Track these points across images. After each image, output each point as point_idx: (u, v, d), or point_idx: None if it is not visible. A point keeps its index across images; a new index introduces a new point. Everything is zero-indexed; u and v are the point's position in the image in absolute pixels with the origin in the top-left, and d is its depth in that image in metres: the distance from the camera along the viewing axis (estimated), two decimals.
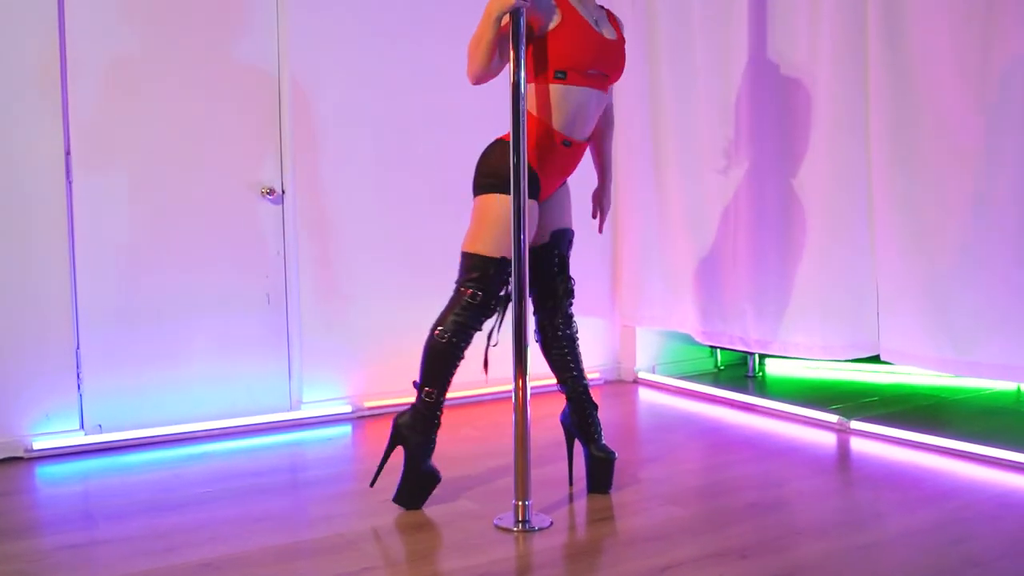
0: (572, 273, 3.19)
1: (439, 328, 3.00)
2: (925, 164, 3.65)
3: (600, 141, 3.28)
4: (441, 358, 3.00)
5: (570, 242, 3.20)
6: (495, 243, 2.94)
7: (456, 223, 4.45)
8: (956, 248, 3.58)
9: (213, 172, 4.00)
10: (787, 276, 4.17)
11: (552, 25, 2.89)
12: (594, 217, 3.38)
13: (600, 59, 2.96)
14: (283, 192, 4.13)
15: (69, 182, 3.71)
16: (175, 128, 3.92)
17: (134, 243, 3.86)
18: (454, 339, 2.98)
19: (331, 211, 4.22)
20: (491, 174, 2.96)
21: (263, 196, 4.08)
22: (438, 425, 3.02)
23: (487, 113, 4.35)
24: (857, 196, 3.90)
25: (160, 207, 3.90)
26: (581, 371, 3.18)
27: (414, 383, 3.05)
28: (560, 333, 3.15)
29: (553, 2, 2.90)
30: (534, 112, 2.94)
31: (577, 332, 3.20)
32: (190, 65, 3.94)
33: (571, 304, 3.17)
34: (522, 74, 2.80)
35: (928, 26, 3.60)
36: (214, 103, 3.99)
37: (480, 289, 2.96)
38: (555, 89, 2.92)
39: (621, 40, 3.09)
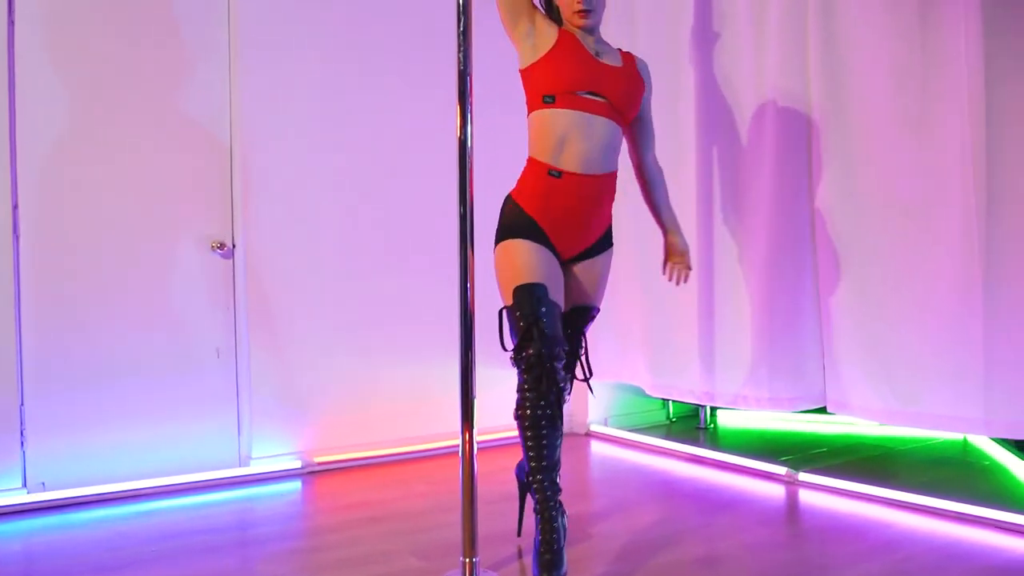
0: None
1: (516, 409, 2.78)
2: (867, 218, 3.75)
3: (649, 193, 3.25)
4: (528, 432, 2.76)
5: (589, 319, 3.07)
6: (512, 285, 2.83)
7: (408, 277, 4.51)
8: (898, 300, 3.66)
9: (163, 227, 3.99)
10: (734, 329, 4.22)
11: (546, 50, 2.88)
12: (663, 273, 3.32)
13: (594, 80, 2.86)
14: (233, 246, 4.12)
15: (16, 237, 3.68)
16: (125, 182, 3.91)
17: (82, 299, 3.82)
18: (528, 409, 2.75)
19: (282, 265, 4.21)
20: (497, 228, 2.94)
21: (213, 250, 4.07)
22: (552, 507, 2.79)
23: (438, 168, 4.41)
24: (801, 250, 3.98)
25: (108, 262, 3.88)
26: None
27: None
28: None
29: (554, 27, 2.92)
30: (529, 151, 2.93)
31: (561, 429, 2.88)
32: (141, 119, 3.94)
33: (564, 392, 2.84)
34: (468, 130, 2.83)
35: (869, 88, 3.71)
36: (164, 157, 3.99)
37: (527, 341, 2.75)
38: (542, 115, 2.87)
39: (627, 70, 2.98)
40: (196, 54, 4.06)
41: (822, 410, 4.08)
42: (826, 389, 3.96)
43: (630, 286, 4.69)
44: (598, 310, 3.09)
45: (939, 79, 3.51)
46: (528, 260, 2.84)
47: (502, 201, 2.96)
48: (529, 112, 2.94)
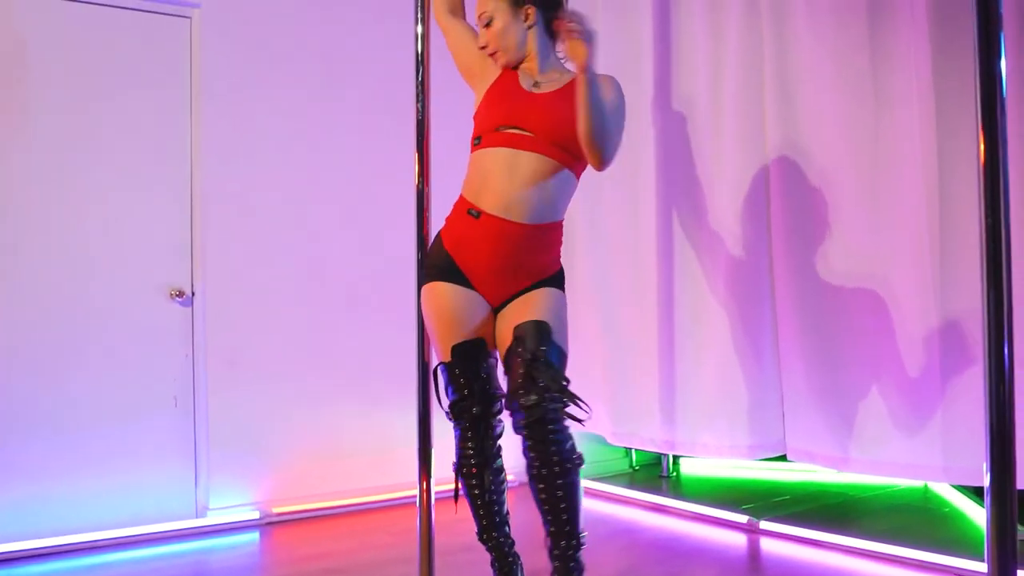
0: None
1: (458, 466, 2.77)
2: (825, 268, 3.79)
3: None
4: (473, 490, 2.77)
5: (543, 336, 2.60)
6: (447, 342, 2.70)
7: (368, 327, 4.49)
8: (856, 348, 3.69)
9: (122, 273, 3.96)
10: (694, 377, 4.24)
11: (483, 94, 2.78)
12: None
13: (518, 114, 2.64)
14: (193, 294, 4.09)
15: None
16: (85, 228, 3.89)
17: (37, 346, 3.78)
18: (463, 469, 2.75)
19: (241, 313, 4.19)
20: (423, 265, 2.81)
21: (172, 298, 4.04)
22: (510, 563, 2.83)
23: (402, 218, 4.40)
24: (761, 300, 4.01)
25: (65, 309, 3.84)
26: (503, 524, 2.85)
27: None
28: (488, 466, 2.78)
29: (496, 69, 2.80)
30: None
31: (505, 481, 2.83)
32: (102, 167, 3.93)
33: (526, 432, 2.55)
34: (425, 179, 2.84)
35: (822, 133, 3.77)
36: (125, 204, 3.97)
37: (468, 399, 2.69)
38: (472, 156, 2.73)
39: (561, 94, 2.67)
40: (158, 103, 4.05)
41: (783, 458, 4.09)
42: (786, 437, 3.97)
43: (590, 334, 4.69)
44: (548, 325, 2.63)
45: (892, 135, 3.58)
46: (457, 312, 2.69)
47: None
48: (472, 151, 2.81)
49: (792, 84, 3.87)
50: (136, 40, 4.01)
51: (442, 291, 2.71)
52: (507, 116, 2.65)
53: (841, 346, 3.74)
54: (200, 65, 4.12)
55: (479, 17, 2.77)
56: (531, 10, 2.72)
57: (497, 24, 2.73)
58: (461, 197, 2.74)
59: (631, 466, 5.19)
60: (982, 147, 2.92)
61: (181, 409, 4.07)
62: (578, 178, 2.74)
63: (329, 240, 4.42)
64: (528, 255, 2.69)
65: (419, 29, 2.89)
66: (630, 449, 5.14)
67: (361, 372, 4.46)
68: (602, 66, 4.51)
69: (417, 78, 2.87)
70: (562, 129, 2.60)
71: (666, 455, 4.96)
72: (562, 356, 2.64)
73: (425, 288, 2.75)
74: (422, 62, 2.87)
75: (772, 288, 3.98)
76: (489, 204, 2.63)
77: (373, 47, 4.54)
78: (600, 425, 4.68)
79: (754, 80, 3.99)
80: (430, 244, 2.81)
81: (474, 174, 2.70)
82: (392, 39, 4.45)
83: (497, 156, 2.64)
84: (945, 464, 3.47)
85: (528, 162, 2.61)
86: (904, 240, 3.56)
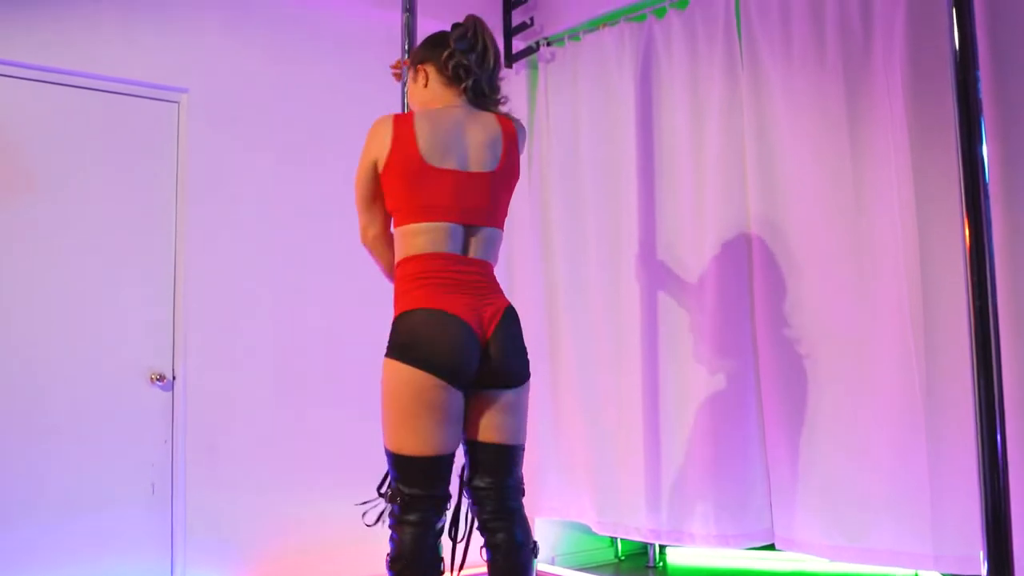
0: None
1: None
2: (808, 351, 3.79)
3: None
4: None
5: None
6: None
7: (351, 414, 4.42)
8: (842, 434, 3.67)
9: (101, 356, 3.91)
10: (680, 466, 4.19)
11: None
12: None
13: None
14: (173, 378, 4.04)
15: None
16: (65, 310, 3.85)
17: (9, 429, 3.70)
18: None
19: (223, 399, 4.13)
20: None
21: (153, 382, 3.99)
22: None
23: (380, 302, 4.37)
24: (745, 385, 3.99)
25: (42, 391, 3.77)
26: None
27: None
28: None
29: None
30: None
31: None
32: (85, 249, 3.91)
33: None
34: None
35: (804, 215, 3.82)
36: (106, 285, 3.94)
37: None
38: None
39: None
40: (144, 186, 4.06)
41: (772, 547, 4.02)
42: (773, 525, 3.92)
43: (574, 420, 4.65)
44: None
45: (872, 209, 3.63)
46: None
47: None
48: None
49: (772, 163, 3.93)
50: (124, 123, 4.04)
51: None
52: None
53: (826, 430, 3.72)
54: (187, 149, 4.14)
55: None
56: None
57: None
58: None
59: (617, 556, 5.09)
60: (967, 232, 2.98)
61: (158, 496, 3.98)
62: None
63: (312, 325, 4.39)
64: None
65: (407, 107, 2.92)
66: (615, 538, 5.05)
67: (343, 460, 4.38)
68: (584, 136, 4.62)
69: None
70: None
71: (652, 544, 4.88)
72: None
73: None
74: None
75: (756, 374, 3.97)
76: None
77: (359, 131, 4.56)
78: (585, 514, 4.60)
79: (735, 160, 4.05)
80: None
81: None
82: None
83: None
84: (935, 552, 3.42)
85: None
86: (886, 321, 3.58)
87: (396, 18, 4.43)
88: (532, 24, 4.87)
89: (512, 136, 2.76)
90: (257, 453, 4.20)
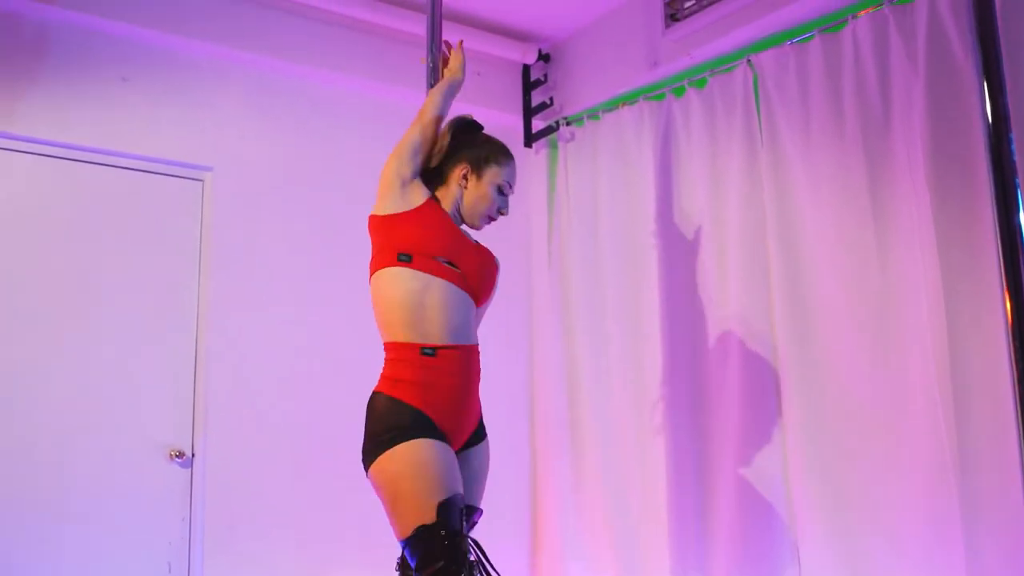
0: (484, 536, 2.65)
1: None
2: (835, 434, 3.70)
3: None
4: None
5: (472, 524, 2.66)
6: (433, 498, 2.46)
7: (373, 497, 4.32)
8: (870, 516, 3.57)
9: (118, 431, 3.87)
10: (707, 551, 4.09)
11: (413, 207, 2.74)
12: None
13: (454, 250, 2.71)
14: (193, 455, 4.00)
15: None
16: (83, 381, 3.83)
17: (22, 504, 3.64)
18: None
19: (244, 476, 4.07)
20: (375, 432, 2.56)
21: (171, 459, 3.94)
22: None
23: None
24: (772, 466, 3.90)
25: (58, 465, 3.73)
26: None
27: None
28: None
29: (425, 190, 2.80)
30: (387, 334, 2.75)
31: None
32: (106, 319, 3.91)
33: None
34: None
35: (828, 293, 3.78)
36: (127, 360, 3.93)
37: (453, 564, 2.41)
38: (394, 274, 2.70)
39: (486, 254, 2.86)
40: (167, 262, 4.09)
41: None
42: None
43: (595, 497, 4.57)
44: (479, 513, 2.73)
45: (897, 282, 3.58)
46: (442, 465, 2.48)
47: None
48: (376, 269, 2.72)
49: (794, 237, 3.89)
50: (149, 201, 4.08)
51: (426, 448, 2.50)
52: (447, 249, 2.67)
53: (857, 511, 3.61)
54: (211, 226, 4.17)
55: (509, 187, 2.88)
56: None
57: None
58: (397, 344, 2.65)
59: None
60: (1008, 304, 2.94)
61: (175, 575, 3.90)
62: None
63: (335, 405, 4.33)
64: (473, 382, 2.72)
65: None
66: None
67: (365, 542, 4.28)
68: (603, 211, 4.62)
69: None
70: (481, 283, 2.75)
71: None
72: None
73: (401, 449, 2.50)
74: None
75: (784, 454, 3.89)
76: (439, 336, 2.61)
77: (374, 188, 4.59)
78: None
79: (757, 235, 4.02)
80: (374, 407, 2.62)
81: (407, 305, 2.62)
82: None
83: (440, 290, 2.62)
84: None
85: (465, 299, 2.68)
86: (915, 398, 3.49)
87: (414, 96, 4.52)
88: (552, 104, 4.94)
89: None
90: (276, 532, 4.12)
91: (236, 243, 4.22)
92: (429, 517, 2.43)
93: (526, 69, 5.07)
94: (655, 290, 4.39)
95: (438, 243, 2.65)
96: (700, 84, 4.35)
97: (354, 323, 4.41)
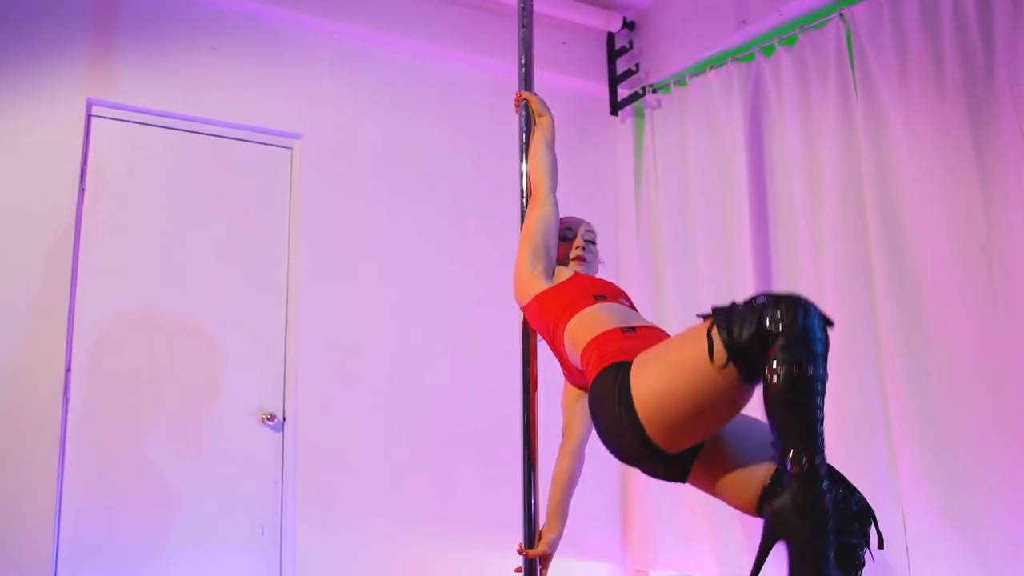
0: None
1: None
2: (941, 389, 3.58)
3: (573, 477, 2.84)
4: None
5: None
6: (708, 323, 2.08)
7: (468, 464, 4.32)
8: (981, 471, 3.44)
9: (212, 396, 3.91)
10: None
11: (563, 279, 2.78)
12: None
13: (598, 289, 2.74)
14: (284, 419, 4.02)
15: (66, 399, 3.62)
16: (179, 349, 3.89)
17: (123, 467, 3.70)
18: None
19: (334, 441, 4.08)
20: (620, 373, 2.23)
21: (263, 422, 3.97)
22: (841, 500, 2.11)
23: (496, 347, 4.30)
24: (874, 423, 3.78)
25: (154, 430, 3.78)
26: None
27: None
28: None
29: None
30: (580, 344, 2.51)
31: None
32: (200, 287, 3.96)
33: None
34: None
35: (931, 249, 3.65)
36: (220, 325, 3.97)
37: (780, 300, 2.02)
38: (593, 311, 2.59)
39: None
40: (258, 229, 4.12)
41: None
42: (910, 570, 3.66)
43: None
44: None
45: (1005, 238, 3.45)
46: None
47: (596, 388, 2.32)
48: (562, 326, 2.56)
49: (894, 196, 3.76)
50: (239, 168, 4.12)
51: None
52: (595, 290, 2.66)
53: (967, 467, 3.48)
54: (299, 194, 4.20)
55: (590, 232, 2.93)
56: None
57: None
58: (598, 336, 2.43)
59: None
60: None
61: (268, 539, 3.92)
62: None
63: (428, 371, 4.33)
64: None
65: (524, 167, 2.92)
66: None
67: (458, 510, 4.27)
68: (693, 180, 4.55)
69: (522, 186, 2.87)
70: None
71: None
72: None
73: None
74: (525, 198, 2.88)
75: (886, 410, 3.76)
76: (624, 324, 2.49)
77: (473, 182, 4.58)
78: (705, 565, 4.39)
79: (854, 196, 3.90)
80: (606, 378, 2.28)
81: (602, 318, 2.51)
82: (493, 175, 4.49)
83: (605, 307, 2.56)
84: None
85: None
86: (1017, 348, 3.37)
87: (501, 67, 4.51)
88: (638, 71, 4.88)
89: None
90: (370, 497, 4.11)
91: (325, 210, 4.25)
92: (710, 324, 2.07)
93: (611, 37, 5.02)
94: (748, 260, 4.29)
95: (589, 289, 2.68)
96: (790, 42, 4.25)
97: (445, 290, 4.42)
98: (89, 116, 3.85)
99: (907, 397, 3.68)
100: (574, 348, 2.50)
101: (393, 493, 4.17)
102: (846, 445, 3.83)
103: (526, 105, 3.00)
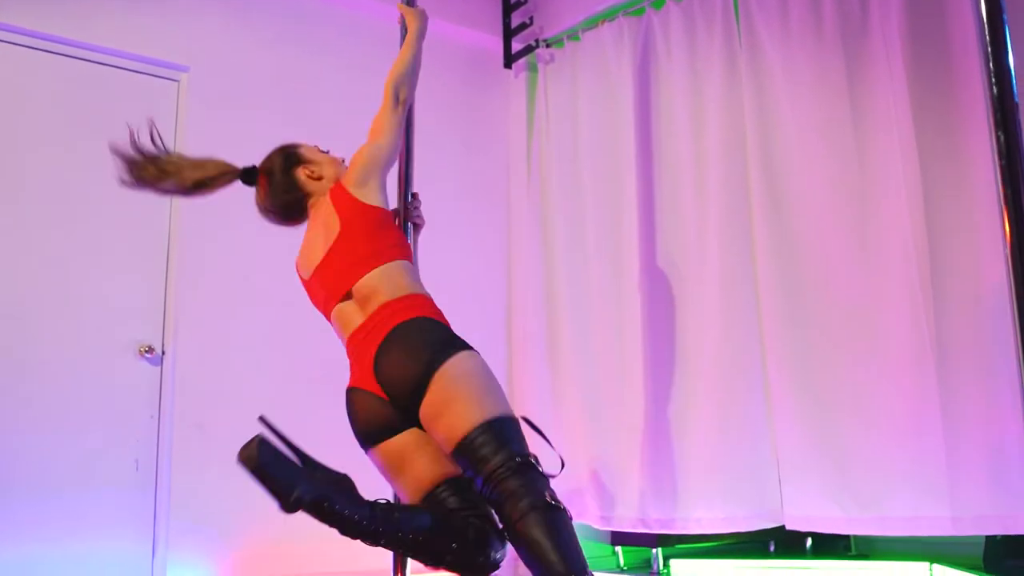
0: None
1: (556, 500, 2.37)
2: (815, 326, 3.71)
3: None
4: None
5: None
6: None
7: (344, 400, 4.26)
8: (852, 404, 3.57)
9: (87, 326, 3.80)
10: (684, 452, 4.05)
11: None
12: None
13: None
14: (163, 352, 3.93)
15: None
16: (52, 280, 3.76)
17: None
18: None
19: (213, 376, 3.99)
20: (453, 337, 2.61)
21: (141, 355, 3.87)
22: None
23: None
24: (751, 360, 3.89)
25: (21, 362, 3.65)
26: None
27: None
28: None
29: None
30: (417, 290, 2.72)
31: None
32: (77, 216, 3.85)
33: None
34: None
35: (809, 194, 3.78)
36: (98, 258, 3.87)
37: None
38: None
39: None
40: None
41: (782, 555, 3.86)
42: (783, 506, 3.76)
43: (573, 417, 4.52)
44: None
45: (877, 178, 3.60)
46: None
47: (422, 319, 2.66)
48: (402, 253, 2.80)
49: (774, 139, 3.92)
50: (122, 98, 4.01)
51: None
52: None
53: (837, 402, 3.61)
54: (185, 128, 4.12)
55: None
56: None
57: None
58: (425, 296, 2.76)
59: (619, 566, 4.88)
60: (1001, 139, 2.90)
61: (142, 474, 3.82)
62: None
63: (309, 307, 4.27)
64: None
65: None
66: (616, 547, 4.85)
67: (336, 448, 4.21)
68: (583, 134, 4.59)
69: None
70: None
71: (656, 552, 4.68)
72: None
73: (475, 353, 2.66)
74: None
75: (762, 349, 3.88)
76: None
77: (354, 121, 4.54)
78: (586, 513, 4.43)
79: (736, 140, 4.04)
80: (437, 323, 2.70)
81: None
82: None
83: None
84: (952, 514, 3.29)
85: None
86: (894, 290, 3.51)
87: (394, 14, 4.50)
88: (531, 24, 4.92)
89: (339, 192, 2.86)
90: (248, 433, 4.02)
91: (210, 146, 4.14)
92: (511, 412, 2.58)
93: None
94: (634, 207, 4.35)
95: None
96: None
97: None
98: None
99: (782, 336, 3.81)
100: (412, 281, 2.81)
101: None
102: (725, 379, 3.92)
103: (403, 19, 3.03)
